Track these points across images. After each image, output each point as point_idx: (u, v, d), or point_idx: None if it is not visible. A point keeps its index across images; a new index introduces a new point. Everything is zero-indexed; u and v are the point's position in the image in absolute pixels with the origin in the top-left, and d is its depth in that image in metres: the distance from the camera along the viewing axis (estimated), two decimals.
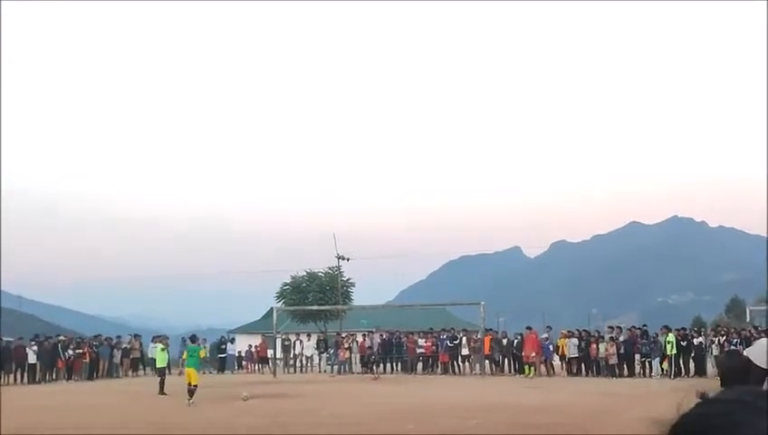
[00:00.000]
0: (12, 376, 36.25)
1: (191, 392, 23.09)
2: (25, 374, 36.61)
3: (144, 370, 41.83)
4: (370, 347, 40.72)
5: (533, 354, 35.78)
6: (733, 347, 31.80)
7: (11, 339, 39.64)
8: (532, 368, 35.58)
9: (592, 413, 19.47)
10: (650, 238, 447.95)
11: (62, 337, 39.41)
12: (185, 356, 26.82)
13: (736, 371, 5.82)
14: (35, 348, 36.69)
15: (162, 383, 28.08)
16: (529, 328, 37.62)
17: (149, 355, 41.95)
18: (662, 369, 33.24)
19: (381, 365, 40.70)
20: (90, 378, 37.75)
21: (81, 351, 38.02)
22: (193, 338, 28.07)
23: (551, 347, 36.46)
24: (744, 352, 5.82)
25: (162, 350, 30.52)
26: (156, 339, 42.10)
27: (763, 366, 5.74)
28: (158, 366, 30.32)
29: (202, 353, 25.96)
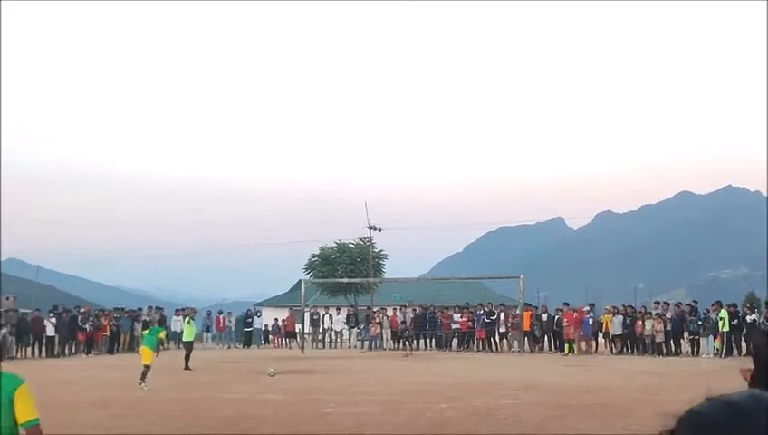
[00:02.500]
0: (30, 349, 36.63)
1: (143, 375, 21.79)
2: (43, 347, 37.06)
3: (167, 344, 42.21)
4: (404, 322, 40.76)
5: (572, 331, 35.76)
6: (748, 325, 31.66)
7: (28, 311, 40.06)
8: (572, 345, 35.56)
9: (638, 394, 19.32)
10: (701, 209, 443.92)
11: (81, 309, 39.83)
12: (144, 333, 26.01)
13: None
14: (53, 320, 37.04)
15: (188, 358, 28.23)
16: (566, 304, 37.57)
17: (172, 329, 42.32)
18: (714, 347, 32.93)
19: (414, 341, 40.79)
20: (110, 352, 38.20)
21: (100, 323, 38.44)
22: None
23: (590, 322, 36.29)
24: None
25: (189, 323, 30.60)
26: (179, 312, 42.62)
27: None
28: (184, 340, 30.39)
29: (161, 335, 25.30)
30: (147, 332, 24.61)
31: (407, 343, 40.15)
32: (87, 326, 37.69)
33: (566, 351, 35.60)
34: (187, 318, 31.49)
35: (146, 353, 22.51)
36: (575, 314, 36.64)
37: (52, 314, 37.59)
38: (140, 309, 42.54)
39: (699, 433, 1.61)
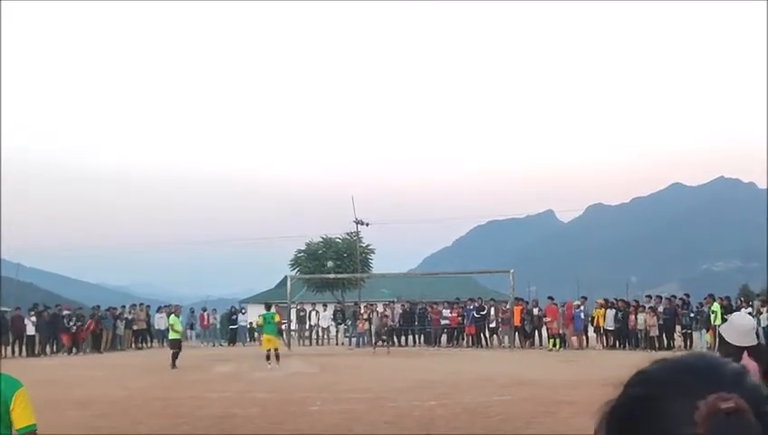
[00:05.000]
0: (9, 348, 36.44)
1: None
2: (24, 347, 36.91)
3: (150, 342, 42.17)
4: (385, 316, 40.51)
5: (556, 326, 35.85)
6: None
7: (8, 309, 39.89)
8: (557, 341, 35.64)
9: None
10: (694, 201, 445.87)
11: (65, 312, 39.63)
12: None
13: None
14: (34, 319, 36.91)
15: (175, 357, 28.17)
16: (550, 298, 37.68)
17: (156, 326, 42.30)
18: (706, 341, 33.08)
19: (394, 338, 40.73)
20: (93, 350, 38.09)
21: (82, 323, 38.21)
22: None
23: (581, 316, 36.42)
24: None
25: (174, 320, 30.43)
26: (162, 309, 42.61)
27: (742, 344, 5.87)
28: (171, 338, 30.13)
29: (276, 318, 29.13)
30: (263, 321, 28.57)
31: (385, 339, 39.73)
32: (71, 326, 37.55)
33: (550, 346, 35.68)
34: (172, 315, 31.38)
35: (270, 340, 27.68)
36: (563, 308, 36.74)
37: (32, 313, 37.45)
38: (123, 307, 42.38)
39: (646, 388, 1.63)
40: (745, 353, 5.76)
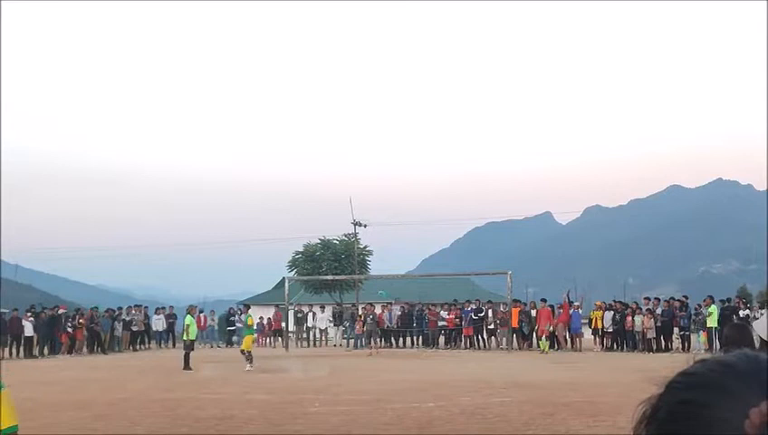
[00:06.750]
0: (7, 350, 36.48)
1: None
2: (21, 348, 36.90)
3: (148, 344, 42.19)
4: (371, 320, 40.57)
5: (548, 328, 35.85)
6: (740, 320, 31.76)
7: (6, 310, 39.88)
8: (547, 342, 35.63)
9: (627, 391, 19.45)
10: (692, 203, 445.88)
11: (60, 311, 39.66)
12: None
13: (740, 346, 5.85)
14: (32, 320, 36.92)
15: (187, 357, 28.15)
16: (543, 300, 37.70)
17: (154, 328, 42.38)
18: (702, 343, 33.15)
19: (392, 340, 40.81)
20: (91, 352, 38.09)
21: (79, 324, 38.19)
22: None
23: (579, 314, 36.42)
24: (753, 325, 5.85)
25: (191, 320, 30.21)
26: (159, 311, 42.88)
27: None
28: (186, 339, 29.67)
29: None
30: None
31: (374, 340, 39.77)
32: (68, 327, 37.57)
33: (541, 347, 35.65)
34: (188, 316, 30.88)
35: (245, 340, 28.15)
36: (560, 309, 36.75)
37: (30, 314, 37.44)
38: (121, 308, 42.41)
39: (693, 393, 1.53)
40: None
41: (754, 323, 5.90)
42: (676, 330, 34.66)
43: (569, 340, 36.49)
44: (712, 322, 32.60)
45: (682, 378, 1.58)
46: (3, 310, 40.15)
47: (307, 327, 44.31)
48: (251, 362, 27.22)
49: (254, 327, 32.41)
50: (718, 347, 32.28)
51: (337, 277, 49.77)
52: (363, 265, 55.59)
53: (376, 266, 59.81)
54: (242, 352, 28.23)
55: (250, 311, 30.59)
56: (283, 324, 44.18)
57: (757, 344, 5.76)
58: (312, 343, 43.87)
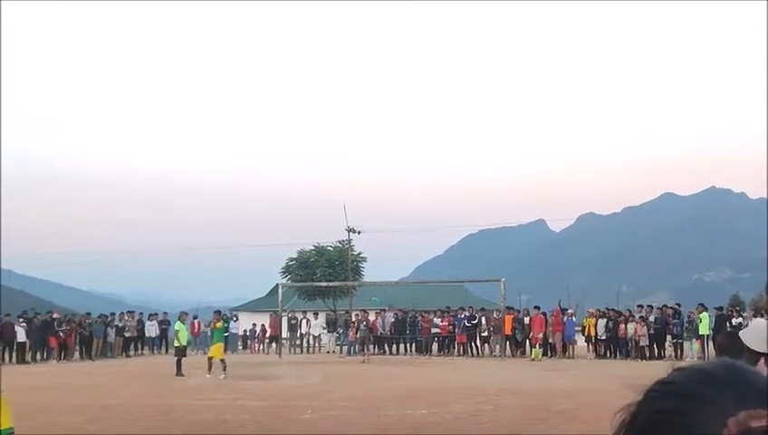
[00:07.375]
0: None
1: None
2: (14, 354, 36.78)
3: (141, 349, 42.10)
4: (365, 327, 40.57)
5: (540, 335, 35.86)
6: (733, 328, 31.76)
7: None
8: (540, 350, 35.63)
9: (620, 398, 19.47)
10: (686, 211, 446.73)
11: (54, 315, 39.57)
12: None
13: (733, 354, 5.80)
14: (24, 326, 36.82)
15: (179, 363, 28.14)
16: (537, 308, 37.63)
17: (147, 334, 42.28)
18: (695, 350, 33.19)
19: (385, 347, 40.78)
20: (83, 358, 37.99)
21: (69, 329, 38.07)
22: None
23: (572, 321, 36.44)
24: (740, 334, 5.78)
25: (181, 326, 30.27)
26: (152, 317, 42.86)
27: (763, 350, 5.65)
28: (178, 345, 29.77)
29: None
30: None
31: (365, 347, 39.69)
32: (60, 332, 37.47)
33: (533, 356, 35.65)
34: (178, 322, 31.08)
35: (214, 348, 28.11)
36: (552, 316, 36.74)
37: (22, 320, 37.35)
38: (114, 314, 42.31)
39: (670, 402, 1.54)
40: (762, 360, 5.64)
41: (741, 332, 5.89)
42: (668, 338, 34.69)
43: (559, 348, 36.45)
44: (703, 329, 32.67)
45: (660, 386, 1.59)
46: None
47: (300, 334, 44.23)
48: (224, 370, 26.82)
49: (226, 334, 31.94)
50: (708, 356, 32.43)
51: (331, 284, 49.76)
52: (357, 272, 55.62)
53: (369, 273, 59.88)
54: (209, 359, 27.75)
55: (222, 316, 30.46)
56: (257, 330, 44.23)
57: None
58: (305, 349, 43.81)
